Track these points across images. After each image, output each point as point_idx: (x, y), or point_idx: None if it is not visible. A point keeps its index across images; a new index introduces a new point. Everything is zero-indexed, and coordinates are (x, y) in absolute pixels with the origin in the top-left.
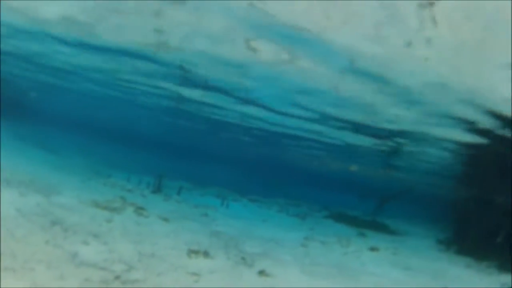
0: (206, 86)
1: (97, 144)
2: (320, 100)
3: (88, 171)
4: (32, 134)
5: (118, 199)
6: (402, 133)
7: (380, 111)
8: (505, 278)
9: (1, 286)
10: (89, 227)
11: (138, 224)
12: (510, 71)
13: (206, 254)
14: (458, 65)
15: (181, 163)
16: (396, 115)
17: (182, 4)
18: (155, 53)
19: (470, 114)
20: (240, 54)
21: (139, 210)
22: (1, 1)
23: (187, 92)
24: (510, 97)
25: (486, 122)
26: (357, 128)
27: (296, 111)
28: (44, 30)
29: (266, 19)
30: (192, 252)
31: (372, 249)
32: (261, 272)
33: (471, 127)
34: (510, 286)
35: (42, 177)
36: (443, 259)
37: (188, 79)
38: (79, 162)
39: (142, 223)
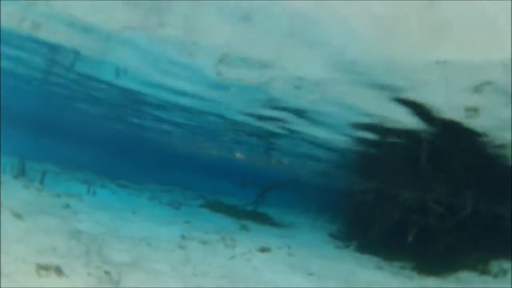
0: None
1: None
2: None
3: None
4: None
5: None
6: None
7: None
8: (431, 281)
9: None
10: None
11: None
12: None
13: (59, 271)
14: None
15: (49, 142)
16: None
17: None
18: None
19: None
20: None
21: None
22: None
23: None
24: None
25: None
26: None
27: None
28: None
29: None
30: (41, 269)
31: (263, 249)
32: None
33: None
34: None
35: None
36: (347, 259)
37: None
38: None
39: None
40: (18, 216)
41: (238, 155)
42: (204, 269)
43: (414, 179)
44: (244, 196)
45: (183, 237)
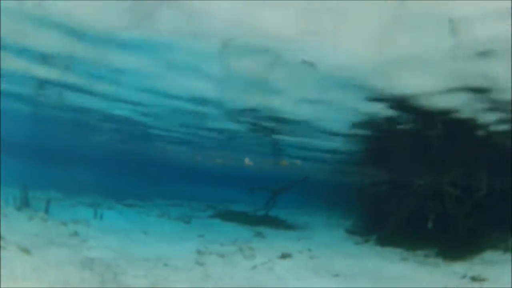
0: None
1: None
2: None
3: None
4: None
5: None
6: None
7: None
8: (458, 266)
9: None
10: None
11: None
12: None
13: None
14: None
15: (50, 169)
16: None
17: None
18: None
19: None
20: None
21: None
22: None
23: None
24: None
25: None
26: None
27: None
28: None
29: None
30: None
31: (284, 256)
32: None
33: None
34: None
35: None
36: (369, 254)
37: None
38: None
39: None
40: (25, 251)
41: (246, 161)
42: (226, 284)
43: (426, 165)
44: (253, 201)
45: (199, 252)
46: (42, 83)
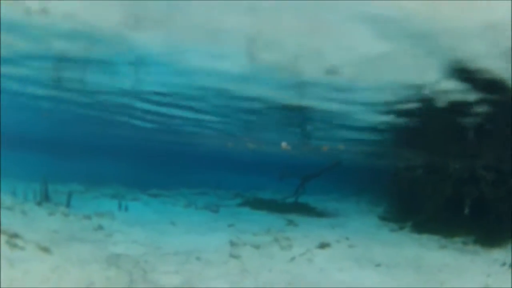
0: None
1: None
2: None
3: None
4: None
5: None
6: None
7: None
8: (498, 253)
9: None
10: None
11: (10, 265)
12: None
13: None
14: None
15: (71, 162)
16: None
17: None
18: None
19: None
20: None
21: (12, 239)
22: None
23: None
24: None
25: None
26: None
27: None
28: None
29: None
30: None
31: (322, 245)
32: None
33: None
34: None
35: None
36: (407, 242)
37: None
38: None
39: (14, 262)
40: (45, 250)
41: (284, 145)
42: (266, 279)
43: (462, 148)
44: (280, 188)
45: (232, 243)
46: (62, 61)
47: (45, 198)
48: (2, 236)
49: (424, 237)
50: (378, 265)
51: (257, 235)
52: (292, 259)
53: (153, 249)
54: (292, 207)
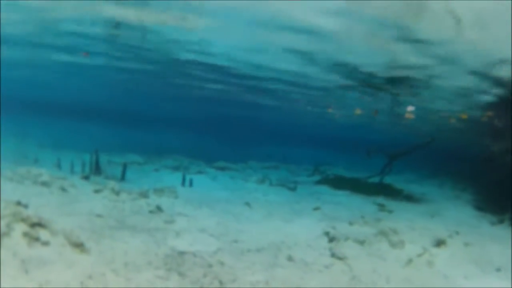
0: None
1: (25, 120)
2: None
3: (16, 156)
4: None
5: (10, 205)
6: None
7: None
8: None
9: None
10: None
11: (23, 271)
12: None
13: None
14: None
15: (129, 132)
16: None
17: None
18: None
19: None
20: None
21: (34, 230)
22: None
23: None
24: None
25: None
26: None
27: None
28: None
29: None
30: None
31: (439, 243)
32: None
33: None
34: None
35: None
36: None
37: None
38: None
39: (30, 266)
40: (77, 246)
41: (409, 109)
42: None
43: None
44: (351, 165)
45: (328, 236)
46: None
47: (95, 171)
48: (21, 225)
49: None
50: (498, 269)
51: (354, 225)
52: (409, 262)
53: (228, 243)
54: (377, 188)
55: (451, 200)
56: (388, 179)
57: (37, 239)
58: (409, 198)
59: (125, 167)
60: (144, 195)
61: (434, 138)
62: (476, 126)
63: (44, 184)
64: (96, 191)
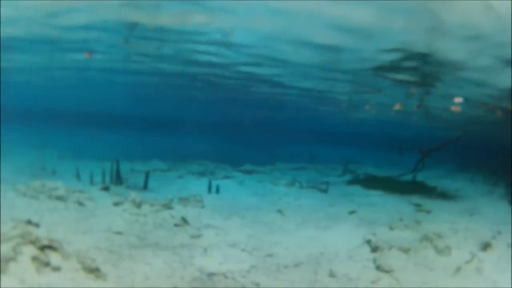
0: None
1: (46, 130)
2: None
3: (33, 168)
4: None
5: (20, 225)
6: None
7: None
8: None
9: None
10: None
11: None
12: None
13: None
14: None
15: (151, 138)
16: None
17: None
18: None
19: None
20: None
21: (44, 253)
22: None
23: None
24: None
25: None
26: None
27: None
28: None
29: None
30: None
31: (485, 246)
32: None
33: None
34: None
35: None
36: None
37: None
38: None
39: (41, 284)
40: (92, 271)
41: (457, 101)
42: None
43: None
44: (382, 163)
45: (371, 245)
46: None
47: (116, 181)
48: (29, 248)
49: None
50: None
51: (395, 229)
52: (457, 270)
53: (262, 259)
54: (411, 187)
55: (485, 196)
56: (419, 176)
57: (47, 264)
58: (444, 195)
59: (147, 175)
60: (168, 206)
61: (466, 132)
62: (506, 116)
63: (60, 198)
64: (116, 204)
